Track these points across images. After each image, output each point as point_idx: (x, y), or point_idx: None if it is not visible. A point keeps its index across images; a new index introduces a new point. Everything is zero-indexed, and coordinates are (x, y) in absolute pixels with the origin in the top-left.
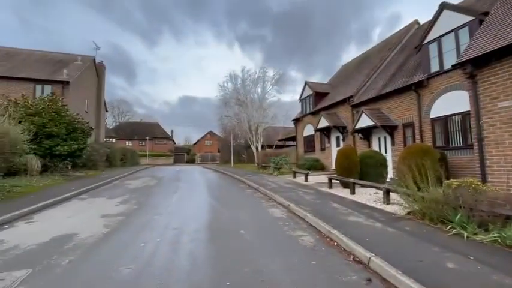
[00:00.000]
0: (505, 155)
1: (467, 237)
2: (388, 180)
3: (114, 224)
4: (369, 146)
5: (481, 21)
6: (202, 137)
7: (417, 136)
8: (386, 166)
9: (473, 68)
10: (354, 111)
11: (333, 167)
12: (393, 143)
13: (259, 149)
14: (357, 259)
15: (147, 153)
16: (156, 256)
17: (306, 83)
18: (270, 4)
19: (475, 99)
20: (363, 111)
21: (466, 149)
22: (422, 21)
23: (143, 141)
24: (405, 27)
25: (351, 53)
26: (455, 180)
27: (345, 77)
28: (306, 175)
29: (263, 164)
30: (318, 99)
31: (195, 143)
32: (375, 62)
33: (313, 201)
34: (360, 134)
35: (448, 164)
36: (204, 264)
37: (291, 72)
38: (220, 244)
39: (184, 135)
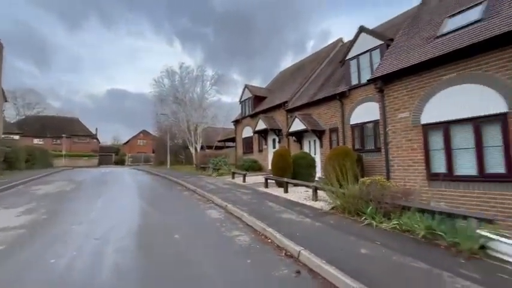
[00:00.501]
0: (402, 156)
1: (376, 225)
2: (316, 179)
3: (13, 240)
4: (301, 148)
5: (388, 45)
6: (135, 136)
7: (341, 140)
8: (315, 166)
9: (382, 83)
10: (289, 116)
11: (270, 167)
12: (321, 146)
13: (198, 149)
14: (289, 254)
15: (64, 153)
16: (70, 273)
17: (245, 86)
18: (213, 3)
19: (383, 110)
20: (296, 116)
21: (376, 152)
22: (346, 39)
23: (58, 140)
24: (332, 43)
25: (288, 61)
26: (368, 178)
27: (282, 83)
28: (244, 176)
29: (202, 165)
30: (256, 102)
31: (126, 143)
32: (307, 72)
33: (250, 201)
34: (293, 137)
35: (364, 164)
36: (130, 277)
37: (232, 74)
38: (151, 252)
39: (112, 133)
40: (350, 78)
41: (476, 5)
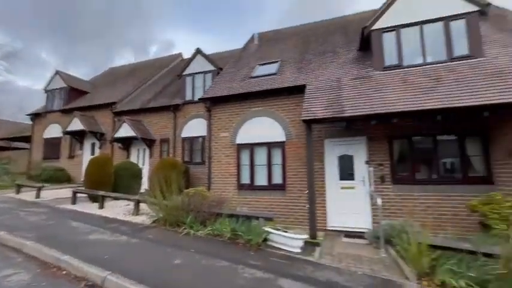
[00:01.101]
0: (221, 169)
1: (193, 234)
2: (142, 191)
3: None
4: (128, 156)
5: (218, 72)
6: None
7: (171, 151)
8: (141, 177)
9: (211, 104)
10: (116, 119)
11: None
12: (151, 156)
13: None
14: (91, 283)
15: None
16: None
17: (57, 72)
18: None
19: (209, 128)
20: (125, 121)
21: (202, 164)
22: (186, 55)
23: None
24: (174, 54)
25: (125, 58)
26: (192, 189)
27: (113, 81)
28: (39, 189)
29: None
30: (72, 95)
31: None
32: (144, 76)
33: (43, 224)
34: (119, 144)
35: (190, 176)
36: None
37: (41, 53)
38: None
39: None
40: (185, 93)
41: (275, 62)
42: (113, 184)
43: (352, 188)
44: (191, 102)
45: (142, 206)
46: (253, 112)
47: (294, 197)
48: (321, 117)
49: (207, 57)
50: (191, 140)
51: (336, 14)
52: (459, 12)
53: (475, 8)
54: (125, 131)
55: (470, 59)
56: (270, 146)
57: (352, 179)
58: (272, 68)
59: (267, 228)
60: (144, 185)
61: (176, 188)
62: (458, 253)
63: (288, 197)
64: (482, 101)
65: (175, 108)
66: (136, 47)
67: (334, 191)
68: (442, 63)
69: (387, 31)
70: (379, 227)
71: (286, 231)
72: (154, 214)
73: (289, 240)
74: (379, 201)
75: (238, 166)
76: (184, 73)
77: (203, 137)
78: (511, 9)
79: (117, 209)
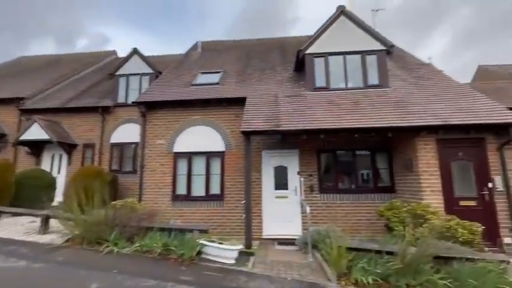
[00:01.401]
0: (155, 179)
1: (117, 252)
2: (56, 204)
3: None
4: (38, 163)
5: (157, 76)
6: None
7: (96, 158)
8: (54, 188)
9: (146, 109)
10: (24, 118)
11: None
12: (70, 163)
13: None
14: None
15: None
16: None
17: None
18: None
19: (143, 134)
20: (36, 120)
21: (133, 173)
22: (122, 54)
23: None
24: (106, 51)
25: (45, 47)
26: (120, 200)
27: (21, 72)
28: None
29: None
30: None
31: None
32: (68, 71)
33: None
34: (27, 148)
35: (119, 186)
36: None
37: None
38: None
39: None
40: (117, 95)
41: (217, 72)
42: (14, 196)
43: (286, 197)
44: (124, 105)
45: (54, 222)
46: (192, 120)
47: (232, 207)
48: (260, 129)
49: (145, 59)
50: (122, 147)
51: (275, 34)
52: (371, 49)
53: (383, 47)
54: (36, 132)
55: (380, 88)
56: (209, 155)
57: (286, 188)
58: (214, 78)
59: (201, 241)
60: (59, 197)
61: (99, 200)
62: (369, 253)
63: (226, 207)
64: (387, 123)
65: (104, 111)
66: (60, 37)
67: (270, 200)
68: (359, 89)
69: (318, 56)
70: (307, 233)
71: (221, 243)
72: (68, 232)
73: (224, 252)
74: (307, 209)
75: (174, 176)
76: (117, 73)
77: (136, 144)
78: (409, 52)
79: (18, 227)
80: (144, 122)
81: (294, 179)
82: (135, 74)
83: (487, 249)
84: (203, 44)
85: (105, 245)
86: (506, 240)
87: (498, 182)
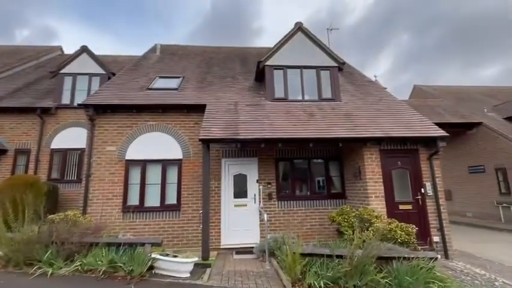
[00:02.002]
0: (103, 189)
1: (52, 273)
2: None
3: None
4: None
5: (109, 78)
6: None
7: (32, 166)
8: None
9: (94, 112)
10: None
11: None
12: None
13: None
14: None
15: None
16: None
17: None
18: None
19: (90, 140)
20: None
21: (78, 183)
22: (70, 51)
23: None
24: (49, 46)
25: None
26: (61, 214)
27: None
28: None
29: None
30: None
31: None
32: None
33: None
34: None
35: (59, 197)
36: None
37: None
38: None
39: None
40: (61, 95)
41: (177, 77)
42: None
43: (245, 205)
44: (69, 107)
45: None
46: (148, 126)
47: (189, 218)
48: (219, 137)
49: (96, 58)
50: (65, 153)
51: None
52: (325, 65)
53: (336, 64)
54: None
55: (332, 101)
56: (165, 163)
57: (245, 196)
58: (173, 83)
59: (153, 255)
60: None
61: (32, 214)
62: (321, 258)
63: (183, 217)
64: (338, 135)
65: (44, 112)
66: None
67: (229, 209)
68: (314, 101)
69: (277, 68)
70: (265, 241)
71: (176, 256)
72: None
73: (177, 265)
74: (265, 217)
75: (126, 185)
76: (62, 71)
77: (82, 150)
78: (357, 69)
79: None
80: (92, 127)
81: (253, 187)
82: (83, 74)
83: (420, 248)
84: (162, 47)
85: (37, 266)
86: (435, 238)
87: (428, 187)
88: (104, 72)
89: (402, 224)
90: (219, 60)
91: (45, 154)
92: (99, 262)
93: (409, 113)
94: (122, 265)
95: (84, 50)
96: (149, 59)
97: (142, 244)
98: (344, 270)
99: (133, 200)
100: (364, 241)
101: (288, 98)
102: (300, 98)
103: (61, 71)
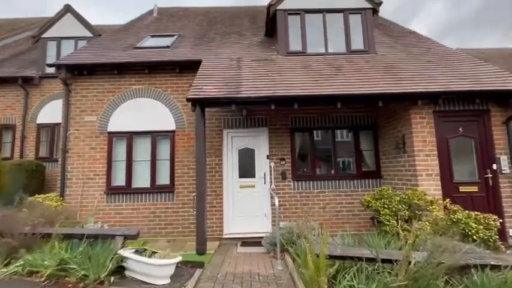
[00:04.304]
0: (83, 167)
1: None
2: None
3: None
4: None
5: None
6: None
7: (18, 143)
8: None
9: (69, 74)
10: None
11: None
12: None
13: None
14: None
15: None
16: None
17: None
18: None
19: (66, 109)
20: None
21: None
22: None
23: None
24: (42, 17)
25: None
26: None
27: None
28: None
29: None
30: None
31: None
32: None
33: None
34: None
35: (46, 178)
36: None
37: None
38: None
39: None
40: (45, 63)
41: (171, 36)
42: None
43: (252, 186)
44: (54, 76)
45: None
46: (134, 91)
47: (185, 201)
48: (213, 96)
49: (82, 19)
50: (52, 129)
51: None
52: (356, 7)
53: (369, 5)
54: None
55: (365, 53)
56: (155, 136)
57: (253, 176)
58: (166, 41)
59: (123, 253)
60: None
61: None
62: (358, 261)
63: (178, 201)
64: (377, 90)
65: (26, 82)
66: None
67: (233, 191)
68: (341, 54)
69: (292, 13)
70: (276, 232)
71: (156, 252)
72: None
73: (151, 269)
74: (276, 201)
75: (109, 162)
76: (44, 35)
77: None
78: (394, 21)
79: None
80: (67, 93)
81: (263, 164)
82: (68, 38)
83: (504, 248)
84: (160, 9)
85: None
86: (511, 232)
87: (504, 162)
88: (91, 35)
89: (477, 213)
90: (224, 19)
91: (32, 130)
92: (46, 262)
93: (472, 63)
94: (74, 266)
95: (68, 9)
96: (144, 20)
97: (114, 236)
98: (397, 286)
99: (119, 180)
100: (417, 236)
101: (307, 52)
102: (322, 50)
103: (43, 36)
